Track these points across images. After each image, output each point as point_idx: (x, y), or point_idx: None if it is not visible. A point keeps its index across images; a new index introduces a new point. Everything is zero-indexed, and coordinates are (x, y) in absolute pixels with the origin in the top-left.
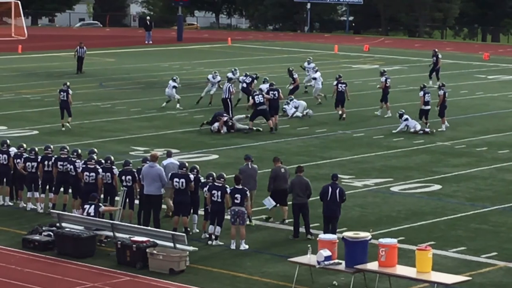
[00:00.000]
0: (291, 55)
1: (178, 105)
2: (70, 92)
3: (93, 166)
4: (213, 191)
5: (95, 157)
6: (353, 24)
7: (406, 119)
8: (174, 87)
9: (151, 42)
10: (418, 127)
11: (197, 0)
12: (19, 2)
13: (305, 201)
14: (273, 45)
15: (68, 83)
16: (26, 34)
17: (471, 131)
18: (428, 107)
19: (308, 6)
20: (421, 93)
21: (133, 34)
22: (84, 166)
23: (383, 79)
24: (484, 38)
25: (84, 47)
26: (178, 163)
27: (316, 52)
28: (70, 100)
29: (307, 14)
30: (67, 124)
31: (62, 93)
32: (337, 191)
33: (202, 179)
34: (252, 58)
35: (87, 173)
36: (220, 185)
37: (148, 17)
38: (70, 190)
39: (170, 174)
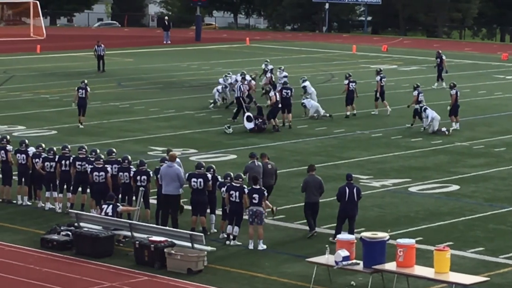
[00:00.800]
0: (309, 55)
1: (211, 106)
2: (89, 89)
3: (101, 166)
4: (231, 192)
5: (102, 156)
6: (370, 26)
7: (425, 109)
8: (225, 86)
9: (169, 42)
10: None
11: (215, 0)
12: (37, 2)
13: (318, 199)
14: (291, 45)
15: (86, 81)
16: (44, 34)
17: (489, 131)
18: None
19: (327, 6)
20: (415, 93)
21: (152, 34)
22: (92, 166)
23: (378, 78)
24: (503, 38)
25: (102, 45)
26: (179, 161)
27: (334, 52)
28: (88, 97)
29: (325, 14)
30: (79, 124)
31: (80, 90)
32: (354, 190)
33: (220, 178)
34: (270, 58)
35: (96, 173)
36: (238, 185)
37: (166, 17)
38: (88, 190)
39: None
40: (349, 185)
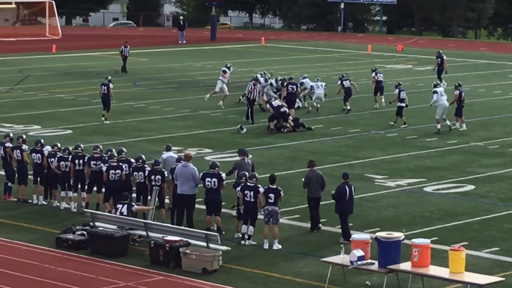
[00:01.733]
0: (325, 55)
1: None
2: (111, 86)
3: (115, 164)
4: (246, 191)
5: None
6: (386, 25)
7: (435, 92)
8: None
9: (184, 41)
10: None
11: (230, 0)
12: (53, 2)
13: (320, 195)
14: (306, 45)
15: (109, 77)
16: (60, 33)
17: (505, 131)
18: (403, 104)
19: (342, 6)
20: (396, 91)
21: (167, 34)
22: (107, 165)
23: (373, 74)
24: None
25: (128, 46)
26: (176, 157)
27: (350, 52)
28: (110, 94)
29: (340, 14)
30: (103, 118)
31: (103, 86)
32: (352, 189)
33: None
34: (286, 58)
35: (113, 171)
36: (253, 185)
37: (181, 17)
38: (103, 190)
39: (170, 168)
40: (347, 184)
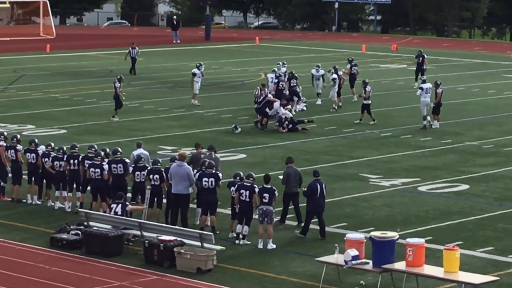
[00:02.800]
0: (319, 55)
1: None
2: (117, 85)
3: (98, 163)
4: (242, 191)
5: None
6: (380, 25)
7: (421, 88)
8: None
9: (178, 41)
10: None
11: (225, 0)
12: (47, 2)
13: (297, 190)
14: (301, 44)
15: (119, 76)
16: (54, 33)
17: (499, 131)
18: (369, 101)
19: (336, 5)
20: (368, 88)
21: (161, 34)
22: (90, 162)
23: (348, 66)
24: None
25: (136, 48)
26: (147, 153)
27: (344, 51)
28: (118, 92)
29: (335, 13)
30: (113, 117)
31: (114, 84)
32: (323, 186)
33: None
34: (280, 58)
35: (93, 169)
36: (249, 184)
37: (175, 17)
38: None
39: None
40: (319, 182)
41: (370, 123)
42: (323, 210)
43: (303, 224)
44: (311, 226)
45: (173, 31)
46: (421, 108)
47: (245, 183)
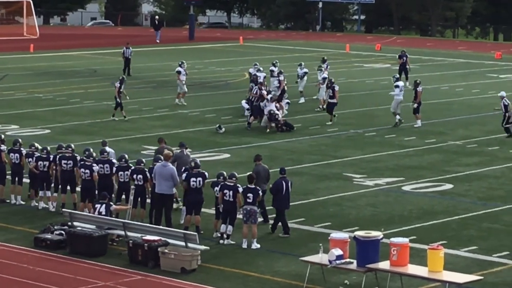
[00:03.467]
0: (303, 55)
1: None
2: (117, 85)
3: (89, 164)
4: (225, 190)
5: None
6: (364, 25)
7: (397, 86)
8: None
9: (158, 41)
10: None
11: None
12: (31, 1)
13: (265, 187)
14: (285, 44)
15: (120, 77)
16: (38, 33)
17: (483, 130)
18: (335, 101)
19: (320, 5)
20: (337, 88)
21: (145, 33)
22: (82, 163)
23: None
24: (496, 37)
25: (130, 48)
26: (113, 151)
27: (328, 51)
28: (116, 92)
29: (319, 13)
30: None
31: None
32: (289, 184)
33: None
34: (264, 57)
35: (83, 170)
36: (232, 184)
37: (156, 17)
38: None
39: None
40: (285, 179)
41: (327, 123)
42: (288, 208)
43: (272, 222)
44: (295, 225)
45: (155, 31)
46: (393, 105)
47: (228, 183)
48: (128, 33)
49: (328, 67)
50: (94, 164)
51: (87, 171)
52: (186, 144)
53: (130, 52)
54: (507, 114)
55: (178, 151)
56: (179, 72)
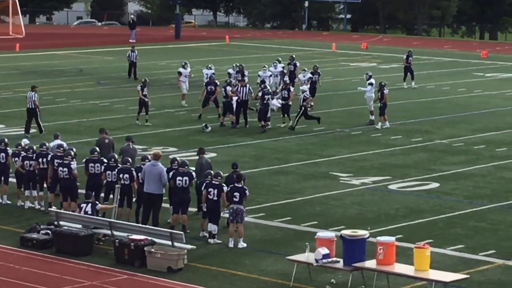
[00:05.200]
0: (289, 53)
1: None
2: (138, 88)
3: (67, 162)
4: (210, 189)
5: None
6: (350, 23)
7: (371, 84)
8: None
9: (130, 40)
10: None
11: None
12: (17, 1)
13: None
14: (271, 43)
15: (143, 79)
16: (24, 32)
17: (469, 129)
18: (290, 103)
19: (306, 4)
20: (293, 89)
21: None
22: (59, 161)
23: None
24: (482, 36)
25: (136, 51)
26: (65, 144)
27: (314, 50)
28: (140, 96)
29: (305, 12)
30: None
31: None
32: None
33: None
34: (250, 56)
35: (61, 168)
36: (217, 183)
37: (132, 16)
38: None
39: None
40: (236, 173)
41: (282, 125)
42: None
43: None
44: (282, 224)
45: (130, 30)
46: (368, 103)
47: (213, 182)
48: (114, 32)
49: (297, 66)
50: (73, 162)
51: (65, 169)
52: (132, 137)
53: (136, 55)
54: None
55: (125, 144)
56: (180, 73)
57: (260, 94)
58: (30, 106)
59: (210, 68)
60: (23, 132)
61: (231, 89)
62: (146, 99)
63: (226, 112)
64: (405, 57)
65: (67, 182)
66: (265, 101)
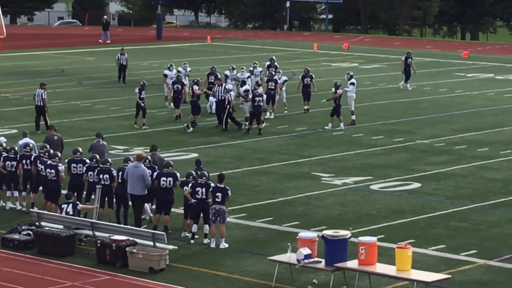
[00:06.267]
0: (271, 54)
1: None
2: (136, 91)
3: (55, 163)
4: (197, 188)
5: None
6: (332, 24)
7: (353, 84)
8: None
9: (101, 41)
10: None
11: None
12: None
13: None
14: (252, 43)
15: (141, 82)
16: (5, 33)
17: (450, 129)
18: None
19: (288, 4)
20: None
21: (112, 33)
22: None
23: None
24: (463, 36)
25: (125, 54)
26: (33, 142)
27: (296, 50)
28: (137, 99)
29: (286, 12)
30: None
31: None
32: (207, 174)
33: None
34: (232, 57)
35: (49, 170)
36: (204, 182)
37: (105, 16)
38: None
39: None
40: (200, 170)
41: (266, 115)
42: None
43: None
44: (263, 225)
45: (103, 31)
46: (349, 103)
47: (199, 181)
48: (95, 33)
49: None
50: (60, 164)
51: (53, 171)
52: (103, 134)
53: (125, 58)
54: None
55: (95, 141)
56: (165, 76)
57: (250, 96)
58: (39, 104)
59: (186, 67)
60: (34, 129)
61: (198, 88)
62: (143, 104)
63: (194, 111)
64: (403, 58)
65: (53, 183)
66: (256, 104)
